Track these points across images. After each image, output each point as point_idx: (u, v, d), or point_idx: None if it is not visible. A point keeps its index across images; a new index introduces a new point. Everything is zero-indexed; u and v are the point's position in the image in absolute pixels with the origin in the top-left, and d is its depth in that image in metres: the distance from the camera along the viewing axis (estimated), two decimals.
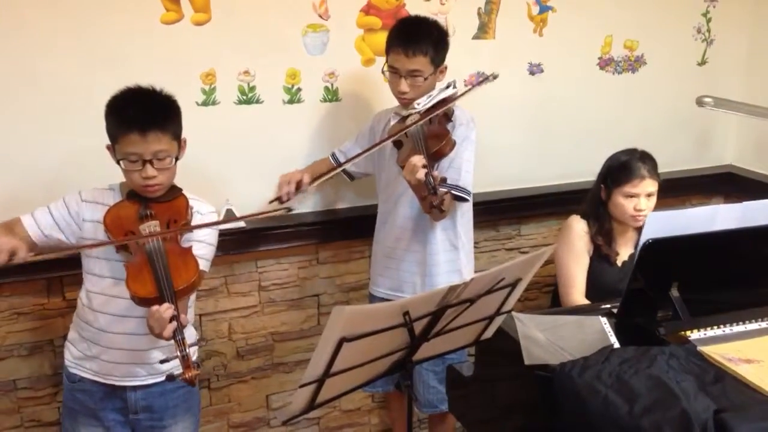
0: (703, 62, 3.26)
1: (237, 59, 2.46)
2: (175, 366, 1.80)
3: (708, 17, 3.20)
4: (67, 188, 2.28)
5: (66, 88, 2.28)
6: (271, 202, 2.45)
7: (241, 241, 2.52)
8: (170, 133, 1.90)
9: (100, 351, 2.02)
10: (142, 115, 1.86)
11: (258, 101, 2.53)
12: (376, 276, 2.57)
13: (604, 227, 2.57)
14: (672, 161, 3.28)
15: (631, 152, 2.56)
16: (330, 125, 2.66)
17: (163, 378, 2.03)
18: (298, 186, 2.44)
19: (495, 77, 2.33)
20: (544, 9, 2.88)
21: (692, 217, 1.98)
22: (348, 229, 2.73)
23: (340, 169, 2.35)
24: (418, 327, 1.58)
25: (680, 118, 3.26)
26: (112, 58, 2.29)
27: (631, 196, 2.50)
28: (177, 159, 1.94)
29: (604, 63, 3.07)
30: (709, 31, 3.22)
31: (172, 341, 1.76)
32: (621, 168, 2.52)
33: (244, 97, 2.51)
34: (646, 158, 2.54)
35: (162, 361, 1.80)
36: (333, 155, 2.58)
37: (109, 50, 2.29)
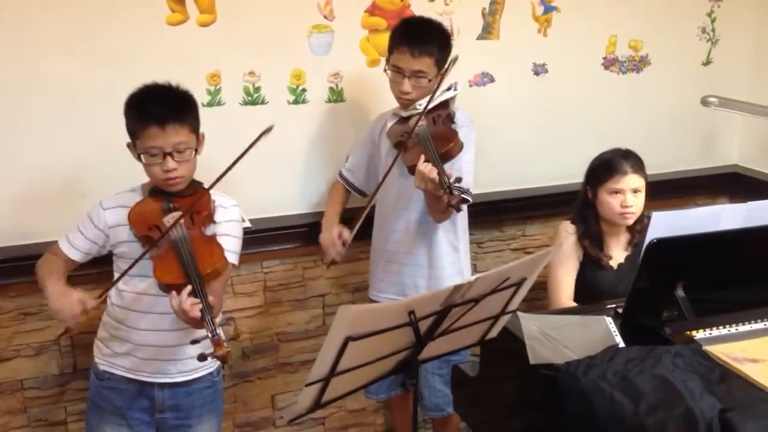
0: (707, 62, 3.26)
1: (242, 60, 2.47)
2: (205, 347, 1.81)
3: (713, 17, 3.19)
4: (77, 188, 2.32)
5: (71, 90, 2.29)
6: (327, 265, 2.47)
7: (247, 242, 2.52)
8: (188, 126, 1.94)
9: (131, 348, 2.05)
10: (160, 108, 1.90)
11: (263, 102, 2.54)
12: (377, 281, 2.55)
13: (591, 229, 2.56)
14: (677, 161, 3.29)
15: (614, 151, 2.56)
16: (335, 126, 2.66)
17: (192, 377, 2.09)
18: (344, 243, 2.41)
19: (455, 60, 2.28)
20: (549, 9, 2.88)
21: (697, 217, 1.98)
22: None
23: (371, 204, 2.31)
24: (424, 326, 1.59)
25: (685, 118, 3.26)
26: (117, 59, 2.30)
27: (616, 192, 2.49)
28: (196, 152, 1.98)
29: (609, 63, 3.07)
30: (714, 31, 3.22)
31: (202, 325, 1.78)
32: (603, 165, 2.53)
33: (249, 98, 2.52)
34: (629, 155, 2.54)
35: (192, 342, 1.82)
36: (342, 177, 2.57)
37: (114, 51, 2.30)
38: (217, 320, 1.80)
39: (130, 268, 1.90)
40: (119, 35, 2.30)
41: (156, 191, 1.99)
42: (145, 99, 1.93)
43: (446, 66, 2.27)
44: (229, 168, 1.90)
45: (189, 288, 1.79)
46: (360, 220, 2.29)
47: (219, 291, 1.98)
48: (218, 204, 2.03)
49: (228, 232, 2.03)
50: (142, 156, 1.92)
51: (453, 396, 2.31)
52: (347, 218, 2.68)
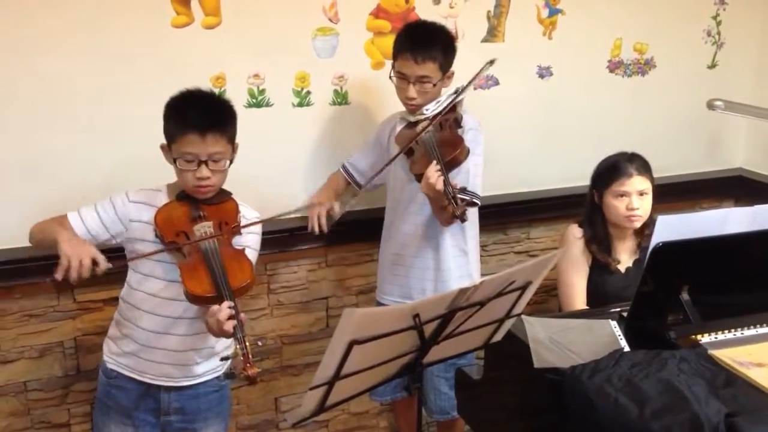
0: (713, 65, 3.25)
1: (247, 62, 2.47)
2: (220, 365, 1.78)
3: (718, 20, 3.19)
4: (80, 189, 2.31)
5: (75, 92, 2.29)
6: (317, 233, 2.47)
7: None
8: (227, 136, 1.94)
9: (138, 349, 2.04)
10: (202, 116, 1.90)
11: (268, 104, 2.54)
12: (384, 283, 2.56)
13: (598, 233, 2.54)
14: (682, 164, 3.28)
15: (619, 154, 2.55)
16: (339, 128, 2.66)
17: (198, 381, 2.08)
18: (329, 216, 2.45)
19: (492, 62, 2.31)
20: (554, 12, 2.88)
21: (703, 221, 1.97)
22: (356, 232, 2.73)
23: (363, 191, 2.34)
24: (428, 330, 1.58)
25: (690, 121, 3.25)
26: (122, 61, 2.30)
27: (622, 195, 2.48)
28: (231, 162, 1.97)
29: (614, 66, 3.07)
30: (719, 34, 3.21)
31: (231, 339, 1.77)
32: (609, 168, 2.52)
33: (254, 100, 2.52)
34: (635, 158, 2.53)
35: (222, 359, 1.81)
36: (345, 169, 2.58)
37: (120, 54, 2.30)
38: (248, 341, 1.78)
39: (152, 253, 1.90)
40: (124, 37, 2.30)
41: (183, 195, 1.98)
42: (188, 105, 1.92)
43: (481, 69, 2.27)
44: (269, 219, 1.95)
45: (229, 303, 1.77)
46: (351, 201, 2.30)
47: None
48: (242, 215, 2.03)
49: (248, 244, 2.02)
50: (177, 161, 1.92)
51: (457, 399, 2.31)
52: (364, 219, 2.69)
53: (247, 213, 2.05)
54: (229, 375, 1.75)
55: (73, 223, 1.97)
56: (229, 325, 1.75)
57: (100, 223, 1.99)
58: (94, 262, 1.80)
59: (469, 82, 2.26)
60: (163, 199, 2.00)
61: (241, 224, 1.99)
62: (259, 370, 1.75)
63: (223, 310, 1.76)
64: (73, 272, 1.77)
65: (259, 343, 1.85)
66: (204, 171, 1.90)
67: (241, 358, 1.74)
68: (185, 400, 2.09)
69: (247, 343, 1.75)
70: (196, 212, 1.94)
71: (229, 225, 1.94)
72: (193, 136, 1.88)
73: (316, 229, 2.45)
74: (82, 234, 1.97)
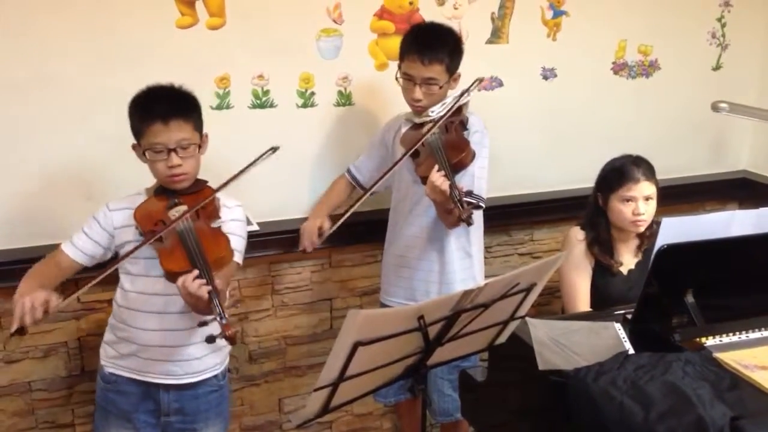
0: (717, 67, 3.25)
1: (251, 63, 2.47)
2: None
3: (723, 22, 3.19)
4: (86, 190, 2.33)
5: (80, 92, 2.29)
6: (301, 251, 2.49)
7: (255, 245, 2.52)
8: (192, 123, 1.96)
9: (137, 349, 2.05)
10: (163, 105, 1.93)
11: (272, 105, 2.54)
12: (388, 285, 2.56)
13: (601, 236, 2.53)
14: (686, 166, 3.28)
15: (625, 157, 2.54)
16: (343, 129, 2.66)
17: (198, 378, 2.09)
18: (320, 234, 2.45)
19: (481, 80, 2.34)
20: (558, 13, 2.88)
21: (707, 223, 1.97)
22: (360, 233, 2.72)
23: (367, 196, 2.31)
24: (433, 331, 1.58)
25: (694, 123, 3.25)
26: (127, 62, 2.30)
27: (628, 200, 2.46)
28: (200, 149, 2.00)
29: (618, 68, 3.06)
30: (724, 36, 3.21)
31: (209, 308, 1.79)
32: (615, 173, 2.50)
33: (258, 102, 2.52)
34: (641, 162, 2.51)
35: (200, 324, 1.82)
36: (350, 172, 2.59)
37: (124, 54, 2.30)
38: (225, 304, 1.80)
39: (121, 259, 1.92)
40: (129, 38, 2.30)
41: (161, 191, 2.00)
42: (149, 98, 1.96)
43: (469, 87, 2.28)
44: (235, 177, 1.94)
45: (196, 272, 1.79)
46: (346, 214, 2.27)
47: (225, 282, 1.98)
48: (222, 203, 2.04)
49: (232, 230, 2.03)
50: (146, 153, 1.94)
51: (460, 401, 2.31)
52: (368, 221, 2.67)
53: (227, 201, 2.06)
54: (210, 339, 1.77)
55: (67, 250, 2.02)
56: (203, 291, 1.76)
57: (90, 241, 2.02)
58: (46, 302, 1.81)
59: (455, 101, 2.26)
60: (143, 200, 2.02)
61: (220, 210, 2.01)
62: (237, 329, 1.76)
63: (191, 278, 1.77)
64: (27, 317, 1.79)
65: (238, 306, 1.83)
66: (174, 159, 1.92)
67: (219, 322, 1.76)
68: (185, 400, 2.10)
69: (223, 308, 1.78)
70: (172, 201, 1.96)
71: (206, 209, 1.96)
72: (158, 125, 1.91)
73: (308, 249, 2.46)
74: (77, 257, 2.01)
